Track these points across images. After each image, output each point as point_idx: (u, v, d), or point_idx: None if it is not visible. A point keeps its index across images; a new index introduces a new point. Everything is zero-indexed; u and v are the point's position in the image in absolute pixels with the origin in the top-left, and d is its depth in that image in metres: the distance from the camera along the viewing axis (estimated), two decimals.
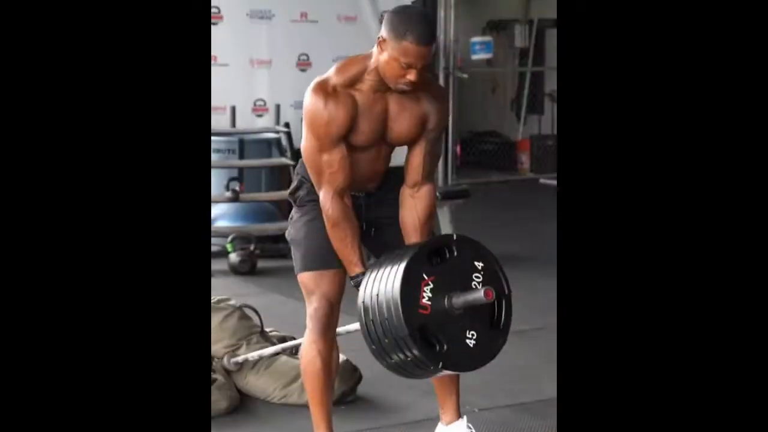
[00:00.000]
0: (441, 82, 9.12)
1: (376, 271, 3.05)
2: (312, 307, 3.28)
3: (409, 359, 2.97)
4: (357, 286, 3.14)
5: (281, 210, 7.06)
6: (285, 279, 5.89)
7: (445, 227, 6.33)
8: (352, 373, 4.09)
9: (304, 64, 8.55)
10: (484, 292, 2.94)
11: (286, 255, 6.33)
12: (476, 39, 9.96)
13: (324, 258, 3.26)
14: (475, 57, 10.01)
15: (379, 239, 3.36)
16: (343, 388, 4.03)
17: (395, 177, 3.35)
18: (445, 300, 2.98)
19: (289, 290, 5.56)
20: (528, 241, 7.21)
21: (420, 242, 3.18)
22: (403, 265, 2.95)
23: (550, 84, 10.56)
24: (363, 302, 3.04)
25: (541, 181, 9.78)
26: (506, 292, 3.09)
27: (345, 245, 3.18)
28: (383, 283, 2.98)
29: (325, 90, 3.12)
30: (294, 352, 4.17)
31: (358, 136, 3.17)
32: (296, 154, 7.23)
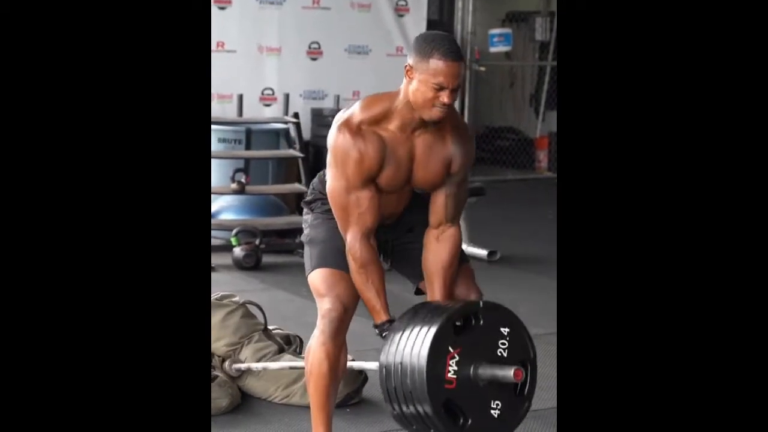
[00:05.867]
0: None
1: (400, 335, 3.02)
2: (325, 307, 3.21)
3: (431, 430, 2.97)
4: (381, 334, 3.10)
5: (288, 204, 7.04)
6: (290, 275, 5.89)
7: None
8: (358, 375, 4.03)
9: (314, 52, 8.50)
10: (514, 373, 2.94)
11: (292, 250, 6.39)
12: (495, 31, 9.93)
13: (345, 259, 3.17)
14: (493, 49, 9.96)
15: (402, 259, 3.35)
16: (348, 390, 3.97)
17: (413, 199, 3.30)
18: (471, 370, 2.97)
19: (294, 287, 5.55)
20: (544, 242, 7.10)
21: (446, 309, 3.08)
22: (429, 340, 2.93)
23: None
24: (386, 367, 3.02)
25: None
26: (531, 356, 3.07)
27: (370, 289, 3.13)
28: (407, 352, 2.97)
29: (351, 127, 3.08)
30: (298, 351, 4.14)
31: (382, 180, 3.12)
32: (305, 146, 7.22)
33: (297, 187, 6.84)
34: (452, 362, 2.93)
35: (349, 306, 3.20)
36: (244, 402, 3.99)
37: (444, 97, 2.99)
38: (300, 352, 4.06)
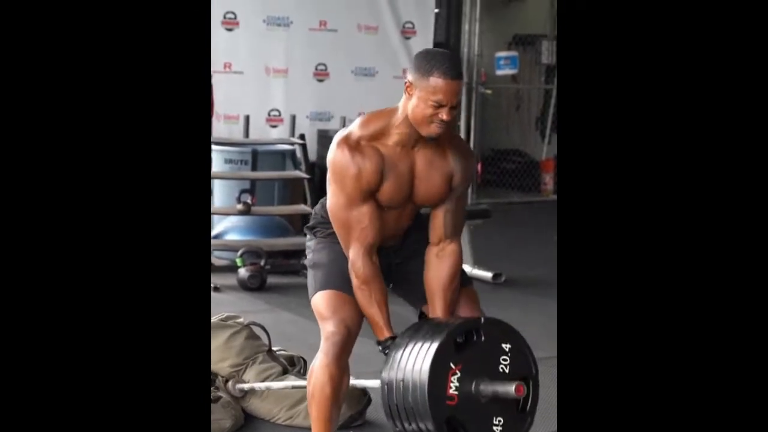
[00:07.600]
0: (463, 97, 9.00)
1: (402, 351, 3.01)
2: (329, 330, 3.19)
3: None
4: (384, 351, 3.10)
5: (293, 225, 7.05)
6: (295, 296, 5.89)
7: (464, 248, 6.23)
8: (361, 397, 4.02)
9: (321, 74, 8.51)
10: (515, 388, 2.94)
11: (297, 271, 6.39)
12: (501, 54, 9.95)
13: (349, 282, 3.17)
14: (499, 72, 9.98)
15: (404, 283, 3.34)
16: (351, 412, 3.96)
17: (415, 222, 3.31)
18: (473, 386, 2.97)
19: (298, 308, 5.54)
20: (549, 264, 7.06)
21: (447, 325, 3.08)
22: (430, 357, 2.93)
23: None
24: (387, 384, 3.01)
25: None
26: (533, 372, 3.06)
27: (372, 305, 3.13)
28: (409, 369, 2.97)
29: (349, 143, 3.10)
30: (302, 372, 4.14)
31: (383, 195, 3.13)
32: (311, 168, 7.23)
33: (302, 208, 6.85)
34: (454, 379, 2.93)
35: (353, 329, 3.19)
36: (248, 423, 3.98)
37: (443, 114, 3.01)
38: (304, 374, 4.05)
